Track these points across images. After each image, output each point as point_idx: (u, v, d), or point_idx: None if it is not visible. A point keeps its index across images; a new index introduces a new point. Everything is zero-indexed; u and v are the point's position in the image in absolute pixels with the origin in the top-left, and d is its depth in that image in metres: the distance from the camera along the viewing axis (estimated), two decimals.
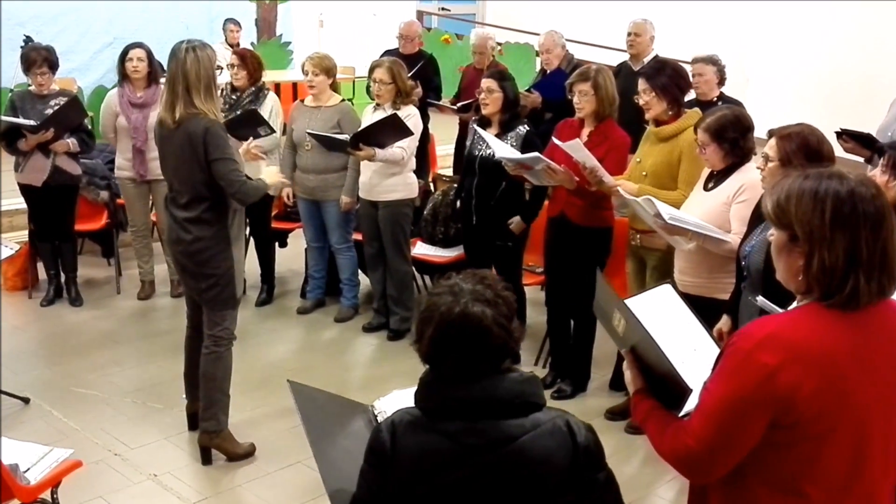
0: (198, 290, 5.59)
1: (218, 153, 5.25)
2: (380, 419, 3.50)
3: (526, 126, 6.92)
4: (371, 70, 7.48)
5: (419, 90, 9.15)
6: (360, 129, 7.19)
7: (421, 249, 8.13)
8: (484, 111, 6.92)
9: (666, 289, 3.46)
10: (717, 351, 3.11)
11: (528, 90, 9.20)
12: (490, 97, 6.83)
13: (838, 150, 5.67)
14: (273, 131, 7.50)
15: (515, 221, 6.95)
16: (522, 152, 6.49)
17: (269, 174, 5.72)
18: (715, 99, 7.89)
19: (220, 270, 5.45)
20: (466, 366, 2.68)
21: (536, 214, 7.03)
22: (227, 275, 5.48)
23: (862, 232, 2.51)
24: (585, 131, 6.32)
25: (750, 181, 5.00)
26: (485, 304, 2.70)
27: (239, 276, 5.60)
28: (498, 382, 2.69)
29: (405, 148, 7.27)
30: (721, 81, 8.09)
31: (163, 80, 8.60)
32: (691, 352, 3.08)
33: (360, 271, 8.21)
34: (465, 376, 2.68)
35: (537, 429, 2.69)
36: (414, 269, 8.00)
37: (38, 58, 7.73)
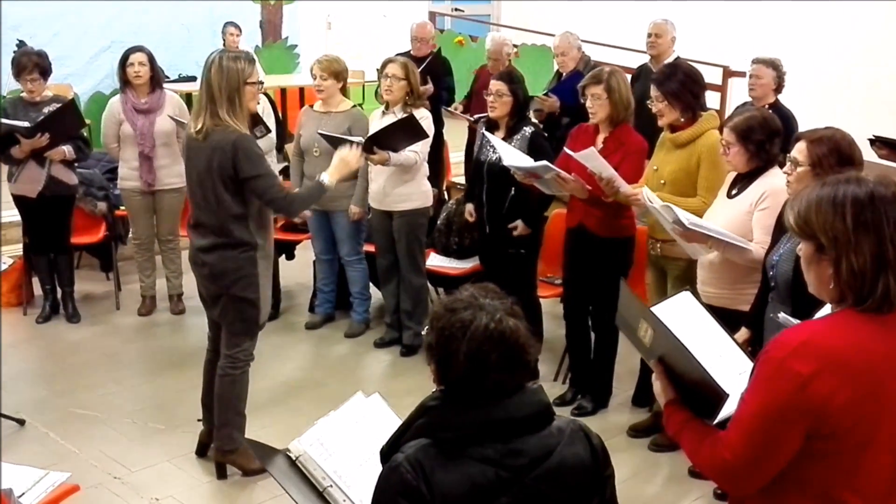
0: (219, 311, 5.57)
1: (252, 170, 5.21)
2: (301, 462, 3.45)
3: (531, 127, 6.91)
4: (383, 66, 7.45)
5: (430, 87, 9.16)
6: (374, 132, 7.16)
7: (435, 261, 8.13)
8: (492, 114, 6.90)
9: (686, 296, 3.50)
10: (742, 356, 3.20)
11: (546, 94, 9.22)
12: (500, 101, 6.80)
13: (871, 157, 5.66)
14: (269, 131, 7.46)
15: (520, 226, 6.93)
16: (529, 154, 6.49)
17: (337, 166, 5.61)
18: (768, 105, 7.72)
19: (246, 294, 5.43)
20: (503, 383, 2.65)
21: (541, 218, 7.01)
22: (252, 300, 5.46)
23: (886, 232, 2.56)
24: (600, 137, 6.31)
25: (773, 188, 4.99)
26: (515, 318, 2.69)
27: (265, 300, 5.58)
28: (526, 397, 2.68)
29: (418, 152, 7.26)
30: (779, 88, 8.01)
31: (167, 84, 8.69)
32: (717, 358, 3.10)
33: (371, 284, 8.22)
34: (499, 395, 2.64)
35: (563, 437, 2.70)
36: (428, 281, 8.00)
37: (29, 63, 7.72)
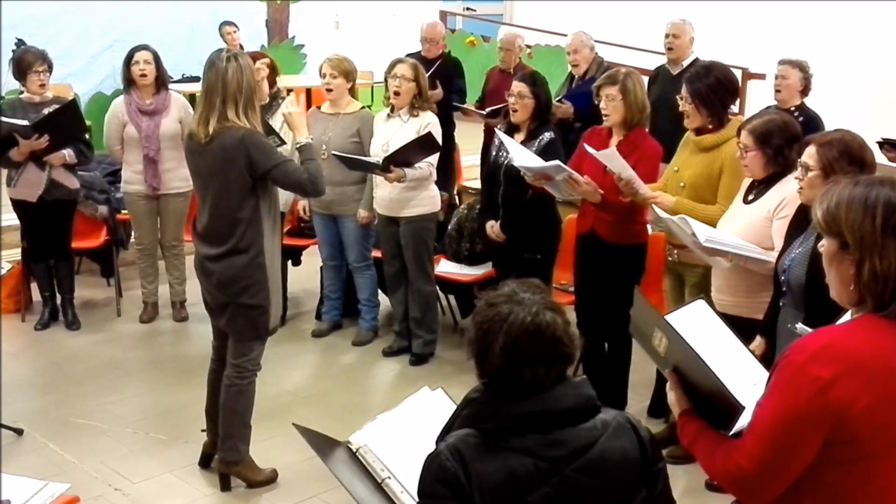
0: (226, 319, 5.55)
1: (269, 161, 5.20)
2: (361, 454, 3.57)
3: (552, 133, 6.88)
4: (392, 66, 7.44)
5: (439, 91, 9.15)
6: (391, 153, 7.12)
7: (445, 267, 8.13)
8: (513, 118, 6.89)
9: (700, 304, 3.54)
10: (757, 367, 3.23)
11: (559, 100, 9.19)
12: (521, 102, 6.80)
13: (880, 159, 5.63)
14: (283, 142, 7.18)
15: (495, 227, 7.00)
16: (542, 159, 6.48)
17: (293, 124, 5.66)
18: (793, 108, 7.74)
19: (256, 301, 5.41)
20: (540, 377, 2.72)
21: (556, 223, 7.07)
22: (262, 306, 5.44)
23: None
24: (614, 140, 6.29)
25: (791, 194, 4.95)
26: (552, 312, 2.76)
27: (275, 306, 5.57)
28: (568, 389, 2.76)
29: (430, 162, 7.30)
30: (805, 90, 7.98)
31: (172, 85, 8.64)
32: (732, 368, 3.11)
33: (379, 291, 8.22)
34: (537, 388, 2.72)
35: (608, 429, 2.77)
36: (438, 288, 7.99)
37: (36, 59, 7.73)
